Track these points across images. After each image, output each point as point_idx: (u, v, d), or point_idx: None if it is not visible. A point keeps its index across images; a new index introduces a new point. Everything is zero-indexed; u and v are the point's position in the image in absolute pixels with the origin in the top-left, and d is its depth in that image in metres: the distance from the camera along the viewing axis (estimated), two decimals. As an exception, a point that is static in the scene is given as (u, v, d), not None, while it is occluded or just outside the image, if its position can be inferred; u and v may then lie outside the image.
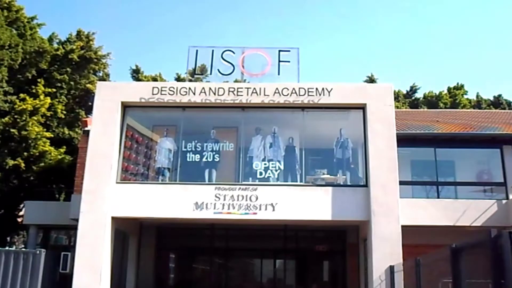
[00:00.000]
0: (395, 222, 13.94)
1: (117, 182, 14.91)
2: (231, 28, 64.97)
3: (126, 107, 15.60)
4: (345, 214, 14.40)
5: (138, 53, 60.65)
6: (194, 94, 15.27)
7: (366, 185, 14.62)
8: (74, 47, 30.03)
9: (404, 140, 15.94)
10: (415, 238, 14.45)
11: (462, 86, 39.97)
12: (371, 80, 37.07)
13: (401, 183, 14.52)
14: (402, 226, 13.92)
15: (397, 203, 14.14)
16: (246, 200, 14.43)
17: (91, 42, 30.93)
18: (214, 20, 63.13)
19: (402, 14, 62.23)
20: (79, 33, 31.54)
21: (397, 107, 30.71)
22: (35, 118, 25.62)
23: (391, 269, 13.00)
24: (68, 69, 29.66)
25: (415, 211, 15.58)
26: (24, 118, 25.24)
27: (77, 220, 14.65)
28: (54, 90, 28.51)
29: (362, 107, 15.14)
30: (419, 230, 15.56)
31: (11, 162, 24.97)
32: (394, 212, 14.04)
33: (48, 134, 26.37)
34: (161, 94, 15.32)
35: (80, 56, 30.04)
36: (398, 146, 14.69)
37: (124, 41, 61.32)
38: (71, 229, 20.44)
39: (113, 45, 63.70)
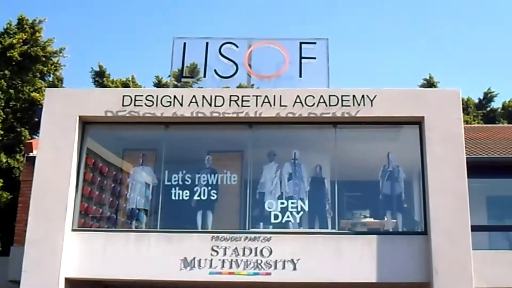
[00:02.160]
0: (467, 284, 13.80)
1: (73, 230, 14.90)
2: (230, 13, 65.31)
3: (86, 124, 15.66)
4: (396, 273, 14.27)
5: (103, 49, 61.02)
6: (181, 105, 15.30)
7: (425, 232, 14.51)
8: (15, 41, 30.21)
9: (477, 168, 15.80)
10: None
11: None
12: (429, 84, 36.98)
13: (474, 228, 14.38)
14: (477, 290, 13.80)
15: (470, 258, 13.99)
16: (256, 254, 14.36)
17: (37, 34, 31.12)
18: (205, 7, 63.56)
19: (471, -9, 62.46)
20: (21, 21, 31.75)
21: (466, 121, 30.56)
22: (-41, 140, 25.71)
23: None
24: (6, 71, 29.81)
25: (496, 268, 15.40)
26: None
27: (18, 282, 14.55)
28: (-14, 101, 28.67)
29: (418, 122, 15.12)
30: (503, 296, 15.34)
31: None
32: (465, 271, 13.89)
33: (-23, 163, 26.42)
34: (134, 105, 15.37)
35: (23, 53, 30.20)
36: (469, 176, 14.59)
37: (83, 33, 61.71)
38: (9, 295, 20.35)
39: (68, 38, 64.07)
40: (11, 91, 30.11)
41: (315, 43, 15.99)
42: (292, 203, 15.32)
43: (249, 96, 15.39)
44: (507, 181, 17.42)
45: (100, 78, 36.04)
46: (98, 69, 36.40)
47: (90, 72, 36.58)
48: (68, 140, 15.19)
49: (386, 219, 15.63)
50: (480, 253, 14.79)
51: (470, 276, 13.86)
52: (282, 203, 15.35)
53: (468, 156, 15.10)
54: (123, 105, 15.40)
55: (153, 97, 15.46)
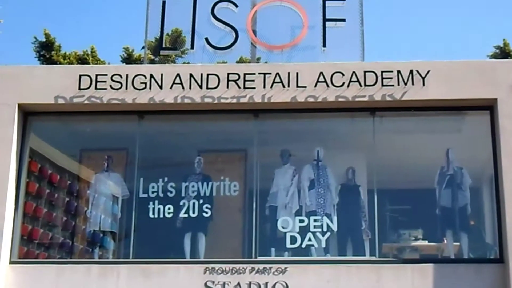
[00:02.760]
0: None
1: (12, 262, 14.95)
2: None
3: (28, 115, 15.77)
4: (462, 315, 14.33)
5: (49, 11, 61.06)
6: (160, 87, 15.36)
7: (500, 259, 14.50)
8: None
9: None
10: None
11: None
12: (504, 53, 36.82)
13: None
14: None
15: None
16: (266, 291, 14.44)
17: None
18: None
19: None
20: None
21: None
22: None
23: None
24: None
25: None
26: None
27: None
28: None
29: (490, 107, 15.14)
30: None
31: None
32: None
33: None
34: (96, 89, 15.43)
35: None
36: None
37: (24, -11, 61.84)
38: None
39: (3, -2, 64.17)
40: None
41: (344, -1, 16.04)
42: (315, 220, 15.37)
43: (254, 74, 15.42)
44: None
45: (46, 51, 36.05)
46: (44, 39, 36.44)
47: (32, 43, 36.61)
48: (4, 137, 15.22)
49: (445, 241, 15.63)
50: None
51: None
52: (302, 221, 15.39)
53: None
54: (79, 89, 15.44)
55: (121, 77, 15.50)
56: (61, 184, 17.12)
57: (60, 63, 33.61)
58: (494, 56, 36.33)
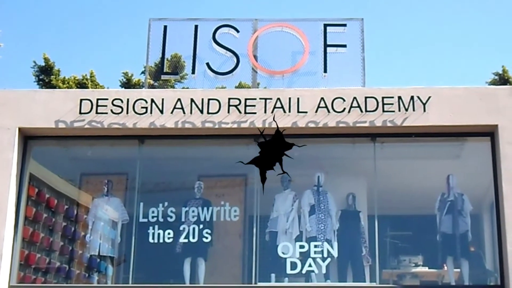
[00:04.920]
0: None
1: (11, 287, 14.96)
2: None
3: (28, 139, 15.82)
4: None
5: (49, 36, 61.18)
6: (161, 112, 15.43)
7: (501, 286, 14.54)
8: None
9: None
10: None
11: None
12: (503, 80, 36.94)
13: None
14: None
15: None
16: (266, 319, 14.40)
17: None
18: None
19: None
20: None
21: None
22: None
23: None
24: None
25: None
26: None
27: None
28: None
29: (490, 133, 15.22)
30: None
31: None
32: None
33: None
34: (96, 113, 15.50)
35: None
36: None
37: (23, 14, 61.92)
38: None
39: (2, 21, 64.23)
40: None
41: (345, 25, 16.18)
42: (315, 246, 15.41)
43: (254, 99, 15.52)
44: None
45: (46, 76, 36.07)
46: (43, 63, 36.48)
47: (32, 68, 36.71)
48: (4, 161, 15.28)
49: (446, 268, 15.64)
50: None
51: None
52: (302, 247, 15.43)
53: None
54: (80, 113, 15.51)
55: (122, 101, 15.58)
56: (59, 209, 17.12)
57: (59, 88, 33.60)
58: (493, 83, 36.41)
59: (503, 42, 58.89)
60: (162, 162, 16.40)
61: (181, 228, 15.64)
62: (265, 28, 16.37)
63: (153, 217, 15.71)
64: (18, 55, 55.17)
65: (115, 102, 15.55)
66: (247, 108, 15.39)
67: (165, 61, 17.05)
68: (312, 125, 15.26)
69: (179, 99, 15.54)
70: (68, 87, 34.08)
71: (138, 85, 35.11)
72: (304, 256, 15.33)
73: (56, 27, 61.24)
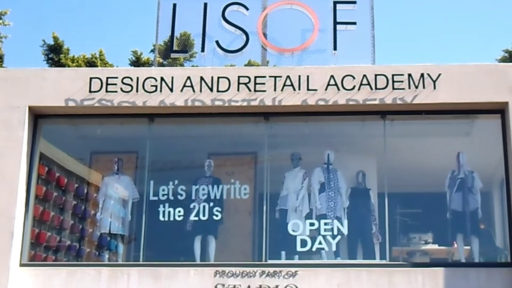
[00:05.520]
0: None
1: (22, 265, 15.01)
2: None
3: (38, 117, 15.85)
4: (472, 321, 14.36)
5: (58, 15, 61.13)
6: (171, 90, 15.44)
7: (511, 263, 14.60)
8: None
9: None
10: None
11: None
12: (512, 56, 36.86)
13: None
14: None
15: None
16: (277, 295, 14.50)
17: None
18: None
19: None
20: None
21: None
22: None
23: None
24: None
25: None
26: None
27: None
28: None
29: (501, 110, 15.20)
30: None
31: None
32: None
33: None
34: (106, 91, 15.52)
35: None
36: None
37: (30, -7, 61.88)
38: None
39: (12, 1, 64.29)
40: None
41: (355, 2, 16.14)
42: (325, 224, 15.46)
43: (264, 77, 15.50)
44: None
45: (55, 55, 36.09)
46: (52, 42, 36.47)
47: (41, 47, 36.70)
48: (15, 140, 15.32)
49: (456, 245, 15.69)
50: None
51: None
52: (312, 224, 15.50)
53: None
54: (90, 92, 15.53)
55: (132, 79, 15.60)
56: (69, 188, 17.20)
57: (69, 66, 33.67)
58: (503, 60, 36.29)
59: (513, 19, 58.68)
60: (172, 141, 16.44)
61: (191, 206, 15.70)
62: (275, 6, 16.32)
63: (163, 195, 15.78)
64: (27, 34, 55.18)
65: (125, 81, 15.56)
66: (257, 86, 15.37)
67: (175, 40, 17.02)
68: (322, 103, 15.24)
69: (188, 77, 15.54)
70: (77, 66, 34.11)
71: (147, 64, 35.15)
72: (314, 234, 15.38)
73: (65, 6, 61.17)
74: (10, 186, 15.11)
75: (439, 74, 15.22)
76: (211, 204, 15.70)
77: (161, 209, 15.71)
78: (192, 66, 24.27)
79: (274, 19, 16.28)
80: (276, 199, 15.73)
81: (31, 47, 63.93)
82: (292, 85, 15.32)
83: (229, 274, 14.60)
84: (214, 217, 15.66)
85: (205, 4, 16.25)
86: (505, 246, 15.05)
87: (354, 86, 15.23)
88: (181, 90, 15.43)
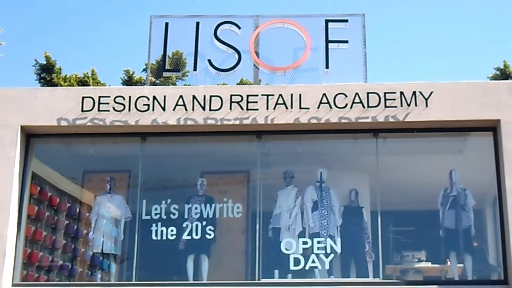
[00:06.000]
0: None
1: (14, 285, 14.99)
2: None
3: (30, 137, 15.84)
4: (465, 339, 14.35)
5: (50, 34, 61.20)
6: (163, 109, 15.46)
7: (505, 281, 14.56)
8: None
9: None
10: None
11: None
12: (504, 75, 36.97)
13: None
14: None
15: None
16: (270, 315, 14.44)
17: (-41, 15, 31.43)
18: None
19: None
20: None
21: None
22: None
23: None
24: None
25: None
26: None
27: None
28: None
29: (493, 128, 15.25)
30: None
31: None
32: (562, 334, 13.96)
33: None
34: (98, 110, 15.53)
35: None
36: None
37: (24, 13, 61.97)
38: None
39: (3, 20, 64.27)
40: None
41: (347, 21, 16.19)
42: (318, 242, 15.45)
43: (256, 96, 15.53)
44: None
45: (47, 74, 36.14)
46: (44, 62, 36.52)
47: (33, 66, 36.75)
48: (6, 159, 15.30)
49: (449, 263, 15.70)
50: None
51: None
52: (305, 243, 15.48)
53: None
54: (82, 111, 15.54)
55: (124, 98, 15.60)
56: (61, 207, 17.18)
57: (61, 86, 33.70)
58: (495, 78, 36.46)
59: (504, 37, 58.91)
60: (164, 159, 16.44)
61: (184, 225, 15.68)
62: (267, 25, 16.37)
63: (156, 214, 15.76)
64: (19, 54, 55.26)
65: (117, 100, 15.56)
66: (249, 104, 15.40)
67: (167, 58, 17.06)
68: (314, 121, 15.27)
69: (181, 96, 15.55)
70: (69, 85, 34.13)
71: (139, 83, 35.21)
72: (307, 252, 15.37)
73: (57, 26, 61.25)
74: (1, 205, 15.08)
75: (431, 92, 15.26)
76: (204, 223, 15.67)
77: (153, 228, 15.67)
78: (185, 85, 24.37)
79: (266, 38, 16.31)
80: (269, 218, 15.72)
81: (23, 67, 64.00)
82: (284, 103, 15.35)
83: (223, 294, 14.63)
84: (207, 236, 15.64)
85: (197, 23, 16.26)
86: (498, 264, 15.04)
87: (347, 104, 15.26)
88: (174, 109, 15.44)
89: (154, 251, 15.64)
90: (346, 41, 16.06)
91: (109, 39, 61.61)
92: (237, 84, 18.24)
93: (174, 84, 30.12)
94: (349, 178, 16.19)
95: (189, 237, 15.63)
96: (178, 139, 15.95)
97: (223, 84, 16.86)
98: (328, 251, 15.39)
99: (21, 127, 15.51)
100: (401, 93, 15.30)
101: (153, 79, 29.01)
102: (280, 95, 15.40)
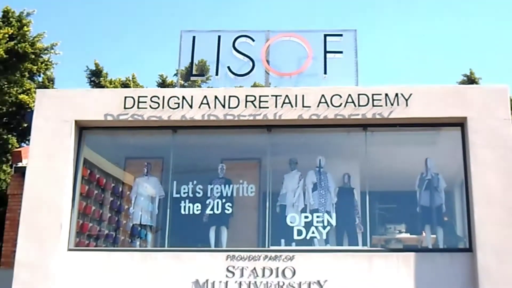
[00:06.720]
0: (520, 307, 13.82)
1: (69, 249, 15.00)
2: (245, 3, 65.46)
3: (82, 129, 15.83)
4: (438, 295, 14.32)
5: (99, 45, 61.28)
6: (190, 107, 15.42)
7: (469, 248, 14.52)
8: (-1, 36, 30.46)
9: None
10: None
11: None
12: (470, 80, 36.88)
13: (526, 244, 14.37)
14: (532, 316, 13.75)
15: (522, 278, 14.00)
16: (278, 276, 14.40)
17: (25, 29, 31.29)
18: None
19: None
20: (6, 14, 31.97)
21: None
22: None
23: None
24: (-11, 71, 30.04)
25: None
26: None
27: (5, 310, 14.67)
28: (-31, 104, 28.88)
29: (461, 124, 15.15)
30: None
31: None
32: (518, 292, 13.90)
33: (-41, 175, 26.51)
34: (138, 108, 15.51)
35: (9, 50, 30.37)
36: (519, 184, 14.62)
37: (77, 27, 62.06)
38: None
39: (60, 33, 64.39)
40: (-4, 93, 30.35)
41: (341, 35, 16.04)
42: (317, 216, 15.42)
43: (267, 96, 15.48)
44: None
45: (96, 78, 36.15)
46: (94, 68, 36.51)
47: (85, 71, 36.72)
48: (63, 148, 15.35)
49: (424, 234, 15.67)
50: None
51: (523, 298, 13.89)
52: (306, 217, 15.45)
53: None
54: (124, 108, 15.54)
55: (158, 98, 15.58)
56: (107, 187, 17.24)
57: (107, 87, 33.72)
58: (463, 82, 36.38)
59: (471, 49, 58.86)
60: (191, 148, 16.39)
61: (207, 202, 15.69)
62: (276, 38, 16.28)
63: (184, 193, 15.77)
64: (73, 61, 55.47)
65: (153, 99, 15.55)
66: (261, 103, 15.36)
67: (194, 65, 17.07)
68: (314, 117, 15.23)
69: (205, 96, 15.53)
70: (114, 87, 34.12)
71: (171, 85, 35.16)
72: (308, 225, 15.36)
73: (104, 39, 61.45)
74: (59, 185, 15.13)
75: (411, 94, 15.20)
76: (223, 200, 15.69)
77: (182, 204, 15.69)
78: (208, 87, 24.34)
79: (275, 49, 16.25)
80: (277, 196, 15.69)
81: (76, 72, 64.37)
82: (290, 102, 15.31)
83: (238, 258, 14.57)
84: (226, 211, 15.66)
85: (219, 36, 16.20)
86: (464, 235, 15.00)
87: (341, 104, 15.21)
88: (199, 107, 15.42)
89: (183, 223, 15.65)
90: (341, 52, 15.95)
91: (147, 50, 61.79)
92: (251, 86, 18.15)
93: (199, 86, 30.13)
94: (342, 164, 16.13)
95: (211, 212, 15.64)
96: (203, 131, 15.89)
97: (240, 87, 16.73)
98: (325, 224, 15.37)
99: (75, 121, 15.52)
100: (386, 94, 15.23)
101: (182, 82, 28.94)
102: (287, 95, 15.35)
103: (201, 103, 15.47)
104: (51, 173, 15.17)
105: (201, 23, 71.25)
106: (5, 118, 31.14)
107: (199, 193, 15.81)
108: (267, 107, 15.35)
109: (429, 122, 15.43)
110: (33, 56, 31.16)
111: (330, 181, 15.79)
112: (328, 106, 15.24)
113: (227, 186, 15.81)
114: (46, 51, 32.00)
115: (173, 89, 16.69)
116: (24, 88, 30.90)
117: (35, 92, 17.49)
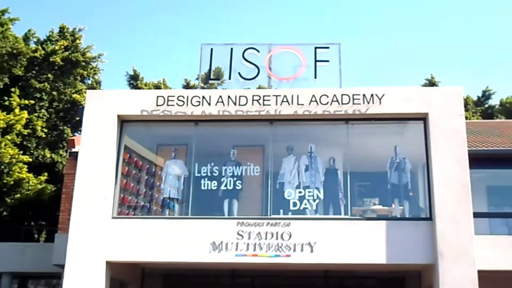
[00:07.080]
0: (470, 266, 13.78)
1: (113, 218, 15.09)
2: (249, 23, 65.42)
3: (123, 122, 15.83)
4: (403, 256, 14.32)
5: (137, 55, 61.39)
6: (209, 104, 15.44)
7: (430, 218, 14.54)
8: (57, 47, 30.53)
9: (478, 160, 15.78)
10: None
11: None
12: (431, 83, 36.94)
13: (475, 215, 14.37)
14: (479, 272, 13.74)
15: (472, 242, 13.99)
16: (277, 238, 14.44)
17: (77, 41, 31.46)
18: (229, 15, 63.66)
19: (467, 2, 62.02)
20: (62, 29, 32.12)
21: (466, 117, 30.41)
22: (8, 137, 25.89)
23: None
24: (49, 75, 30.16)
25: (495, 251, 15.23)
26: (-6, 138, 25.55)
27: (62, 266, 14.77)
28: (32, 102, 28.92)
29: (423, 118, 15.13)
30: (501, 276, 15.29)
31: (-22, 193, 25.30)
32: (468, 254, 13.88)
33: (25, 158, 26.51)
34: (167, 105, 15.53)
35: (65, 58, 30.54)
36: (470, 167, 14.60)
37: (119, 40, 62.18)
38: (55, 277, 20.58)
39: (105, 45, 64.56)
40: (54, 93, 30.52)
41: (328, 47, 15.99)
42: (309, 192, 15.42)
43: (269, 96, 15.48)
44: (506, 171, 17.35)
45: (134, 81, 36.34)
46: (132, 73, 36.67)
47: (125, 76, 36.99)
48: (107, 137, 15.41)
49: (393, 206, 15.65)
50: (481, 237, 14.77)
51: (473, 258, 13.87)
52: (300, 192, 15.45)
53: (469, 149, 15.14)
54: (157, 105, 15.55)
55: (183, 97, 15.59)
56: (143, 168, 17.20)
57: (143, 89, 33.84)
58: (425, 85, 36.56)
59: (431, 59, 58.78)
60: (209, 137, 16.35)
61: (222, 180, 15.70)
62: (276, 50, 16.22)
63: (204, 173, 15.76)
64: (116, 68, 55.60)
65: (179, 98, 15.56)
66: (265, 101, 15.37)
67: (211, 72, 17.16)
68: (307, 113, 15.24)
69: (220, 96, 15.55)
70: (148, 89, 34.25)
71: (194, 87, 35.23)
72: (301, 198, 15.37)
73: (141, 50, 61.57)
74: (105, 167, 15.23)
75: (384, 94, 15.21)
76: (235, 179, 15.69)
77: (202, 182, 15.71)
78: (223, 88, 24.26)
79: (276, 58, 16.21)
80: (277, 176, 15.67)
81: (118, 76, 64.53)
82: (287, 101, 15.32)
83: (246, 224, 14.64)
84: (237, 187, 15.67)
85: (231, 48, 16.18)
86: (425, 207, 14.99)
87: (328, 102, 15.23)
88: (215, 104, 15.44)
89: (203, 197, 15.66)
90: (328, 61, 15.91)
91: (175, 59, 61.90)
92: (257, 88, 18.13)
93: (215, 88, 30.11)
94: (329, 150, 16.07)
95: (225, 188, 15.66)
96: (218, 124, 15.86)
97: (248, 88, 16.74)
98: (315, 197, 15.39)
99: (118, 115, 15.57)
100: (364, 94, 15.24)
101: (202, 85, 28.98)
102: (285, 95, 15.36)
103: (217, 101, 15.48)
104: (98, 156, 15.25)
105: (217, 38, 71.39)
106: (61, 113, 31.37)
107: (215, 173, 15.78)
108: (269, 105, 15.35)
109: (398, 117, 15.43)
110: (83, 64, 31.41)
111: (319, 163, 15.76)
112: (317, 104, 15.24)
113: (237, 167, 15.81)
114: (94, 60, 32.22)
115: (195, 90, 16.64)
116: (77, 89, 31.11)
117: (85, 92, 17.53)
